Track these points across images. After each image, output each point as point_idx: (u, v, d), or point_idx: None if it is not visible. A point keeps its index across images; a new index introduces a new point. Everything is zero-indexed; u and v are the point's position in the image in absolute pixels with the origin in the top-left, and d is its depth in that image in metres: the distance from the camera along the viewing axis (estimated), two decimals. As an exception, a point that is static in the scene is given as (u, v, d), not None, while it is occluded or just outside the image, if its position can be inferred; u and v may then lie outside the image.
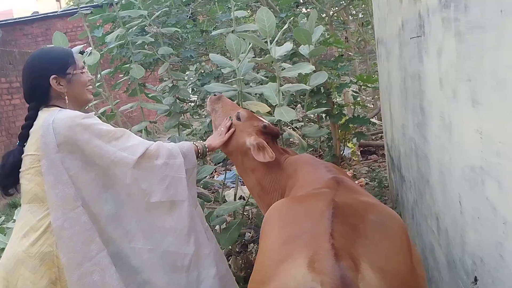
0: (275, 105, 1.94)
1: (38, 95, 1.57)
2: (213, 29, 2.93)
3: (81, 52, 2.49)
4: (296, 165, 1.62)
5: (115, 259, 1.54)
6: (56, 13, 10.69)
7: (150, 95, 2.96)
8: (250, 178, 1.75)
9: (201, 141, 1.82)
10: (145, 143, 1.62)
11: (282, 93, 2.12)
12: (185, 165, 1.65)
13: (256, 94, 2.32)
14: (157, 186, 1.59)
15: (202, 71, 2.99)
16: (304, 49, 2.22)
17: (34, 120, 1.53)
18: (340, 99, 5.79)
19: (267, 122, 1.78)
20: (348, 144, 4.77)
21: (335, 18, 5.26)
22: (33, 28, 10.75)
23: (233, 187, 3.50)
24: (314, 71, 2.21)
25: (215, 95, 1.98)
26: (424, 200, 1.99)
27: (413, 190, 2.32)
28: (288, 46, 1.93)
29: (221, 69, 2.38)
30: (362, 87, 4.44)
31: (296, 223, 1.06)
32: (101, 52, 2.57)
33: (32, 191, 1.50)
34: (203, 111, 3.59)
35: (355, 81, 4.09)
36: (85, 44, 2.69)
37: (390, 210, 1.22)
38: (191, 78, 3.01)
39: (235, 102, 2.29)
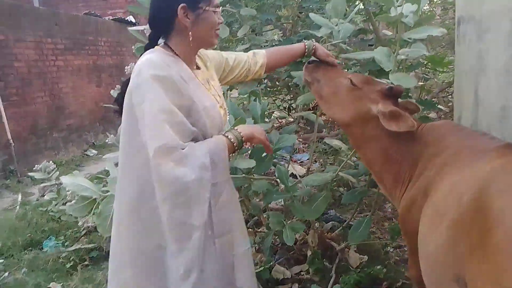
0: (389, 71, 1.79)
1: (161, 23, 1.42)
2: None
3: None
4: (439, 131, 1.47)
5: None
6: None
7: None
8: (371, 149, 1.59)
9: (237, 129, 1.46)
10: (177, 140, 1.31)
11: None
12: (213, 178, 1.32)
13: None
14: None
15: (281, 37, 2.87)
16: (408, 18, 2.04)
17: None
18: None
19: (388, 84, 1.61)
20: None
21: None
22: (74, -7, 10.73)
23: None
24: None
25: (309, 63, 1.80)
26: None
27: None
28: (414, 6, 1.77)
29: (314, 33, 2.22)
30: (435, 70, 4.21)
31: None
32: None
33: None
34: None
35: (425, 62, 3.88)
36: None
37: None
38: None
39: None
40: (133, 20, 9.48)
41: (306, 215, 2.12)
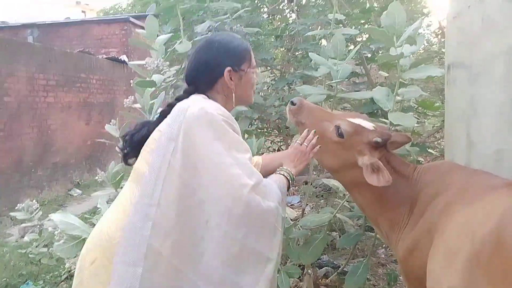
0: (388, 110, 1.78)
1: (203, 81, 1.44)
2: (292, 34, 2.84)
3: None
4: (438, 171, 1.45)
5: None
6: (93, 19, 10.85)
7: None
8: (364, 194, 1.53)
9: (285, 168, 1.51)
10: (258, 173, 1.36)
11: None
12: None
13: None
14: (256, 230, 1.29)
15: (276, 76, 2.89)
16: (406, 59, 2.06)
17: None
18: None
19: (376, 130, 1.53)
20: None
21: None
22: (69, 32, 10.88)
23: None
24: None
25: (292, 103, 1.63)
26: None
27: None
28: (413, 47, 1.79)
29: (312, 72, 2.24)
30: (427, 114, 4.27)
31: None
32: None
33: (140, 170, 1.35)
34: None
35: (416, 106, 3.93)
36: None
37: None
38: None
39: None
40: (126, 60, 9.60)
41: (302, 259, 2.03)
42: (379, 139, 1.50)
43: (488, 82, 2.60)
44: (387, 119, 2.14)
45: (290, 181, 1.46)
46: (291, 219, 2.54)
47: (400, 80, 1.89)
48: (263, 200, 1.28)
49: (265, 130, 3.96)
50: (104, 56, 9.42)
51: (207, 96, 1.44)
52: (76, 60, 7.88)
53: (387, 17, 1.65)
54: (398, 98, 1.98)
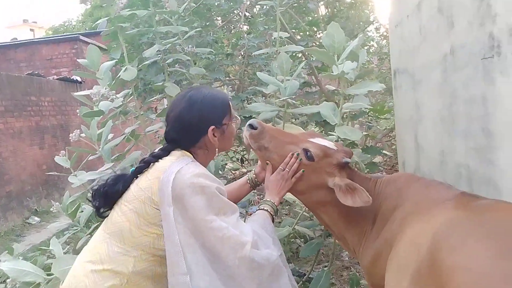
0: (334, 124, 1.86)
1: (185, 140, 1.45)
2: (242, 52, 2.89)
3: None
4: (397, 184, 1.50)
5: None
6: (41, 39, 10.50)
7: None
8: (331, 213, 1.56)
9: (268, 200, 1.54)
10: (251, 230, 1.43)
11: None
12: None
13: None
14: (268, 277, 1.37)
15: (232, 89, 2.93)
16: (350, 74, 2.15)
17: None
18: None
19: (339, 150, 1.57)
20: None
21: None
22: (16, 53, 10.47)
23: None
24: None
25: (251, 126, 1.57)
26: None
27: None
28: (353, 64, 1.88)
29: (263, 89, 2.29)
30: (377, 118, 4.45)
31: (503, 236, 0.94)
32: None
33: (119, 225, 1.35)
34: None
35: (368, 111, 4.09)
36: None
37: None
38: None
39: (273, 123, 2.20)
40: (79, 79, 9.35)
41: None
42: (348, 159, 1.53)
43: (427, 88, 2.75)
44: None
45: (274, 214, 1.52)
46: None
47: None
48: (261, 250, 1.36)
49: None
50: (55, 77, 9.13)
51: (190, 152, 1.45)
52: (25, 84, 7.60)
53: (326, 37, 1.73)
54: (346, 110, 2.07)
